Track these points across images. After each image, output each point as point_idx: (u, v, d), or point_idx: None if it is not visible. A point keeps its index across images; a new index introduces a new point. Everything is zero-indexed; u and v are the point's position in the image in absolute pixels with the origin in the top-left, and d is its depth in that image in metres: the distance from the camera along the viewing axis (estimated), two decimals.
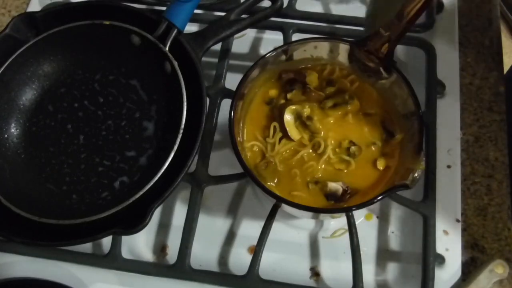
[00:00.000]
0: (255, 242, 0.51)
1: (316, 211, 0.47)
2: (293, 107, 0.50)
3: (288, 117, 0.50)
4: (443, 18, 0.65)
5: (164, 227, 0.55)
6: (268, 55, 0.50)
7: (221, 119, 0.58)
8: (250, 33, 0.65)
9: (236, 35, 0.59)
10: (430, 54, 0.60)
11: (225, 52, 0.61)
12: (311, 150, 0.49)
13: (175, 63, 0.54)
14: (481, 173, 0.56)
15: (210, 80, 0.60)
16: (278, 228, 0.53)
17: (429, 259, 0.50)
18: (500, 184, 0.56)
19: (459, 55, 0.62)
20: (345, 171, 0.49)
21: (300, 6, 0.65)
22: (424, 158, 0.44)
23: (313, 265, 0.53)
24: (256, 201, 0.56)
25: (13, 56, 0.55)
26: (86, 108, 0.57)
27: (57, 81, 0.59)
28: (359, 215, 0.54)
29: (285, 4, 0.59)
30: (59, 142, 0.56)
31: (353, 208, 0.45)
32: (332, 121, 0.51)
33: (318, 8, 0.67)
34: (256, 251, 0.50)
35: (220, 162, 0.57)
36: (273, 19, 0.59)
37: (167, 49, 0.55)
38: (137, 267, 0.52)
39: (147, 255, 0.54)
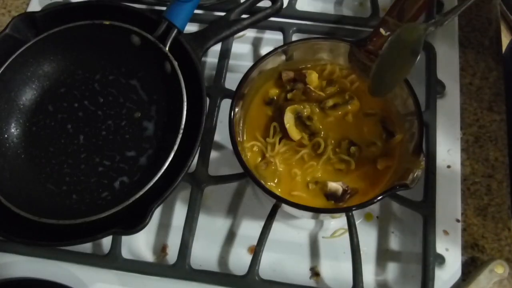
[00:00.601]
0: (255, 242, 0.51)
1: (316, 211, 0.46)
2: (293, 107, 0.50)
3: (288, 117, 0.50)
4: None
5: (164, 227, 0.55)
6: (268, 55, 0.50)
7: (221, 119, 0.58)
8: (250, 33, 0.65)
9: (236, 35, 0.59)
10: (430, 54, 0.60)
11: (225, 52, 0.61)
12: (311, 150, 0.49)
13: (175, 63, 0.54)
14: (481, 173, 0.56)
15: (210, 80, 0.60)
16: (278, 228, 0.53)
17: (429, 259, 0.50)
18: (500, 184, 0.56)
19: (459, 55, 0.62)
20: (345, 171, 0.49)
21: (300, 6, 0.65)
22: (424, 158, 0.43)
23: (313, 265, 0.53)
24: (256, 201, 0.56)
25: (13, 56, 0.55)
26: (86, 108, 0.57)
27: (57, 81, 0.59)
28: (359, 215, 0.54)
29: (285, 4, 0.59)
30: (59, 142, 0.56)
31: (353, 208, 0.45)
32: (332, 121, 0.51)
33: (318, 8, 0.67)
34: (256, 251, 0.50)
35: (220, 162, 0.57)
36: (273, 19, 0.59)
37: (167, 49, 0.55)
38: (137, 267, 0.52)
39: (147, 255, 0.54)
